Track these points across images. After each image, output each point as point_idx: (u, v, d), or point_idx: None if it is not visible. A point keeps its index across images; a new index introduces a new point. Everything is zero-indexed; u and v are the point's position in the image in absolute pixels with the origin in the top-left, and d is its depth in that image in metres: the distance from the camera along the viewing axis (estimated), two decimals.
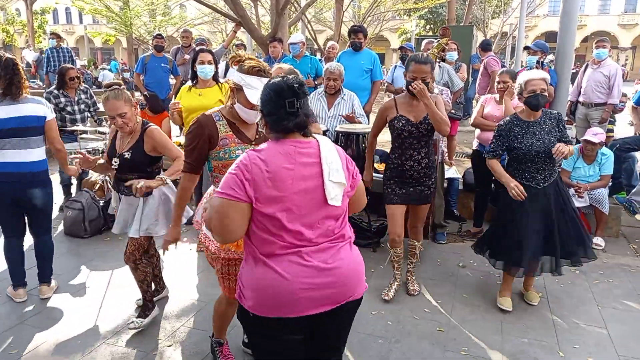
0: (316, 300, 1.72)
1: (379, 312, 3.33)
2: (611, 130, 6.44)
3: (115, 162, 2.93)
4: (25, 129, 3.20)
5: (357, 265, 1.84)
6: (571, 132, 6.64)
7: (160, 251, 3.08)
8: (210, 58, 4.17)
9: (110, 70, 19.81)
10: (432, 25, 25.92)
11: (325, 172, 1.71)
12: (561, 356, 2.87)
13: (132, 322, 3.07)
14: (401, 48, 7.23)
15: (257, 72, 2.22)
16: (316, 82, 6.06)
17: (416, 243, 3.59)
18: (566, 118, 5.91)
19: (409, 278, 3.63)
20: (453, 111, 5.40)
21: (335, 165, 1.74)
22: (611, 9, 41.10)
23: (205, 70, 4.13)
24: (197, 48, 6.44)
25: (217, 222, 1.69)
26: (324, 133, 4.32)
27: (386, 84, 6.60)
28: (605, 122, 5.82)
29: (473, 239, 4.67)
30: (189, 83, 4.34)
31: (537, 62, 5.74)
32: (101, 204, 4.80)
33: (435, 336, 3.07)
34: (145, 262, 3.12)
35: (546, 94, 3.16)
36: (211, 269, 2.68)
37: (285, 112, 1.70)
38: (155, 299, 3.28)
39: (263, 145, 1.73)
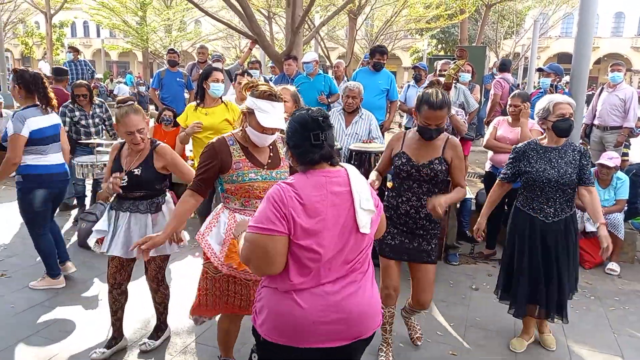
0: (329, 334, 1.72)
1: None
2: (626, 154, 6.39)
3: (124, 179, 2.78)
4: (57, 135, 3.76)
5: (373, 305, 1.83)
6: None
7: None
8: (223, 77, 4.12)
9: (125, 83, 20.10)
10: (443, 45, 26.06)
11: (356, 200, 1.73)
12: None
13: (144, 343, 3.06)
14: (415, 67, 7.27)
15: (269, 96, 2.25)
16: (329, 100, 6.11)
17: (420, 311, 3.06)
18: (580, 141, 5.88)
19: (411, 326, 3.18)
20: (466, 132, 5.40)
21: (365, 194, 1.76)
22: (624, 31, 41.08)
23: (219, 89, 4.10)
24: (213, 64, 6.54)
25: (257, 258, 1.68)
26: (338, 151, 4.34)
27: (399, 103, 6.64)
28: (620, 146, 5.79)
29: (485, 261, 4.64)
30: (195, 102, 4.24)
31: (551, 85, 5.74)
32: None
33: None
34: (164, 285, 3.07)
35: (573, 119, 2.93)
36: None
37: (311, 144, 1.72)
38: (114, 348, 3.01)
39: (293, 178, 1.74)
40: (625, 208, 4.70)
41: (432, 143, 2.73)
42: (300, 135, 1.75)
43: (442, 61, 6.06)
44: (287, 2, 7.92)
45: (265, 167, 2.39)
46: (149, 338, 3.10)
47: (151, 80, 7.90)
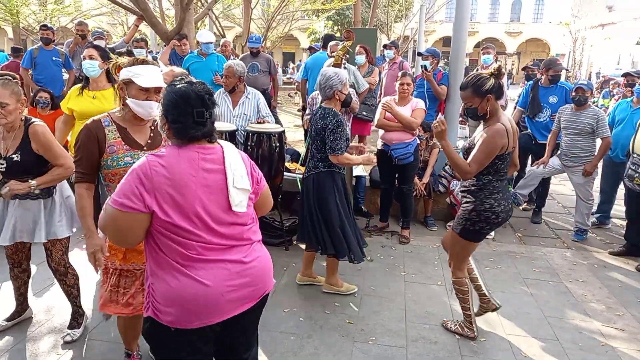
0: (238, 301, 1.74)
1: (291, 310, 3.39)
2: None
3: (2, 164, 2.67)
4: None
5: (268, 261, 1.89)
6: (465, 131, 7.21)
7: (78, 268, 2.97)
8: (95, 53, 3.70)
9: None
10: (339, 27, 26.52)
11: (229, 178, 1.71)
12: (457, 338, 3.13)
13: (67, 334, 2.94)
14: (310, 48, 7.37)
15: (142, 62, 2.22)
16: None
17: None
18: (460, 118, 6.39)
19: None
20: (364, 113, 5.62)
21: (239, 171, 1.75)
22: (499, 17, 45.04)
23: (91, 66, 3.67)
24: (95, 42, 6.06)
25: (113, 232, 1.66)
26: (234, 133, 4.28)
27: (296, 84, 6.71)
28: None
29: (379, 233, 4.91)
30: (79, 85, 3.87)
31: (425, 67, 6.00)
32: None
33: (345, 328, 3.19)
34: (72, 267, 3.00)
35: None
36: None
37: (193, 121, 1.67)
38: (16, 320, 3.10)
39: (163, 151, 1.68)
40: None
41: (486, 127, 2.86)
42: (182, 110, 1.67)
43: (332, 42, 6.22)
44: None
45: (145, 148, 2.28)
46: (70, 328, 2.98)
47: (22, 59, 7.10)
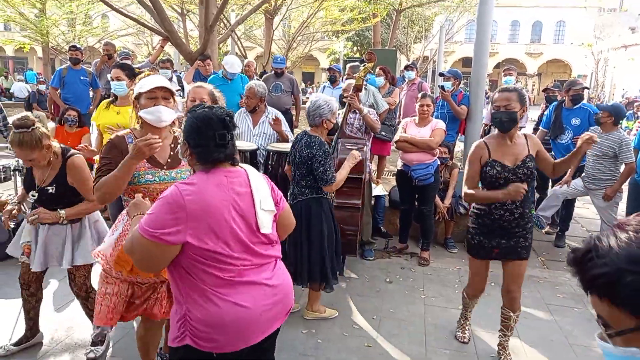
0: (272, 318, 1.78)
1: (309, 331, 3.36)
2: None
3: (34, 195, 2.71)
4: None
5: (289, 278, 1.95)
6: None
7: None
8: (121, 74, 3.89)
9: (25, 81, 18.33)
10: (359, 47, 26.81)
11: (256, 201, 1.74)
12: None
13: (90, 351, 2.92)
14: (329, 69, 7.43)
15: (147, 75, 2.32)
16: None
17: (511, 314, 3.06)
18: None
19: (501, 352, 3.13)
20: (383, 133, 5.62)
21: (264, 193, 1.78)
22: (519, 38, 44.89)
23: (119, 86, 3.88)
24: (119, 62, 6.24)
25: (141, 259, 1.67)
26: (255, 152, 4.31)
27: None
28: None
29: (399, 255, 4.86)
30: (108, 100, 4.10)
31: (442, 87, 6.00)
32: (12, 225, 4.43)
33: (363, 352, 3.14)
34: (94, 291, 2.95)
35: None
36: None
37: (216, 144, 1.68)
38: (24, 345, 3.00)
39: (194, 178, 1.70)
40: None
41: (517, 143, 2.87)
42: (203, 135, 1.69)
43: (349, 65, 6.28)
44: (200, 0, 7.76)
45: (165, 167, 2.31)
46: (93, 345, 2.96)
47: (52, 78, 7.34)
